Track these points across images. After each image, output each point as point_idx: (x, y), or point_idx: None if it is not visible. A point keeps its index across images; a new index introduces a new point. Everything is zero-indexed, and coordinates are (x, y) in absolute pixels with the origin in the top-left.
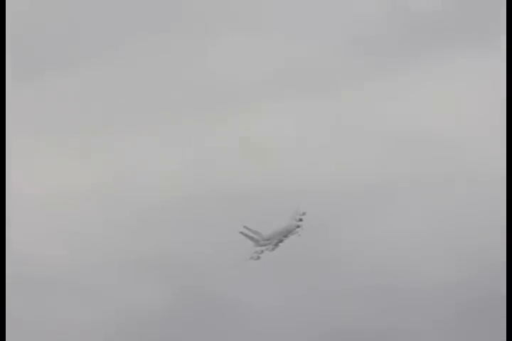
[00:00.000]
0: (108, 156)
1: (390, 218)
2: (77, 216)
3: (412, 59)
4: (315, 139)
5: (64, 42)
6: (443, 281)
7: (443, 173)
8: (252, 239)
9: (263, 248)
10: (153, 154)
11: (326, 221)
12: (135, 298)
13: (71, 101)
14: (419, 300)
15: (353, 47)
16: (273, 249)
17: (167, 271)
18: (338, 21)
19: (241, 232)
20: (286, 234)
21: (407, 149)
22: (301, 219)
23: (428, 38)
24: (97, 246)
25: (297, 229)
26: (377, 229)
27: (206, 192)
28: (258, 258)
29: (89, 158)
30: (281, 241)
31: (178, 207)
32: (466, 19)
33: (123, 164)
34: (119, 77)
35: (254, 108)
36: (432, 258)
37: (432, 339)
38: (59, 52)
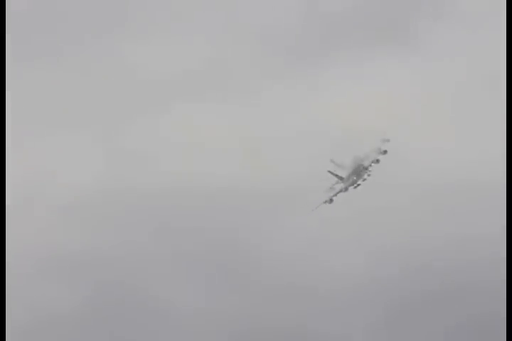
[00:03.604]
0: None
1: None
2: None
3: (329, 58)
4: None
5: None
6: (366, 280)
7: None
8: (337, 176)
9: (338, 189)
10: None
11: (235, 220)
12: (49, 297)
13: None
14: (336, 301)
15: (267, 48)
16: (347, 190)
17: (85, 269)
18: (253, 21)
19: (329, 171)
20: (357, 173)
21: (322, 147)
22: (376, 161)
23: (345, 37)
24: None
25: (369, 168)
26: (286, 228)
27: (122, 191)
28: (331, 201)
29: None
30: (355, 182)
31: (101, 205)
32: (383, 18)
33: (35, 163)
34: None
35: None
36: (350, 258)
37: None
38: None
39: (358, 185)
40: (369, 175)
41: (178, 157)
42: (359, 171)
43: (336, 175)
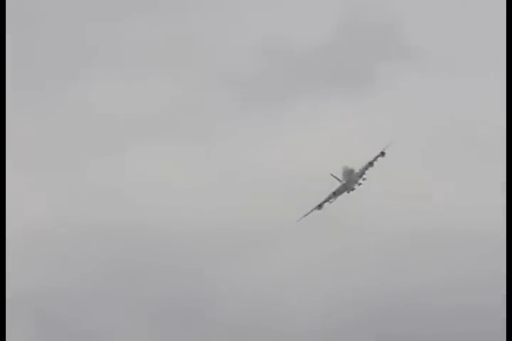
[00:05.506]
0: None
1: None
2: None
3: (290, 101)
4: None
5: None
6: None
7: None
8: (339, 181)
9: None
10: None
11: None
12: None
13: None
14: None
15: (228, 90)
16: (335, 196)
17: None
18: (214, 62)
19: (331, 174)
20: (347, 178)
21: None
22: (370, 164)
23: (303, 79)
24: None
25: (364, 172)
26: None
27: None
28: (321, 207)
29: None
30: (347, 186)
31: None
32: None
33: None
34: None
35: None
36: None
37: None
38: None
39: (353, 189)
40: (364, 179)
41: (139, 196)
42: (348, 175)
43: (338, 179)
